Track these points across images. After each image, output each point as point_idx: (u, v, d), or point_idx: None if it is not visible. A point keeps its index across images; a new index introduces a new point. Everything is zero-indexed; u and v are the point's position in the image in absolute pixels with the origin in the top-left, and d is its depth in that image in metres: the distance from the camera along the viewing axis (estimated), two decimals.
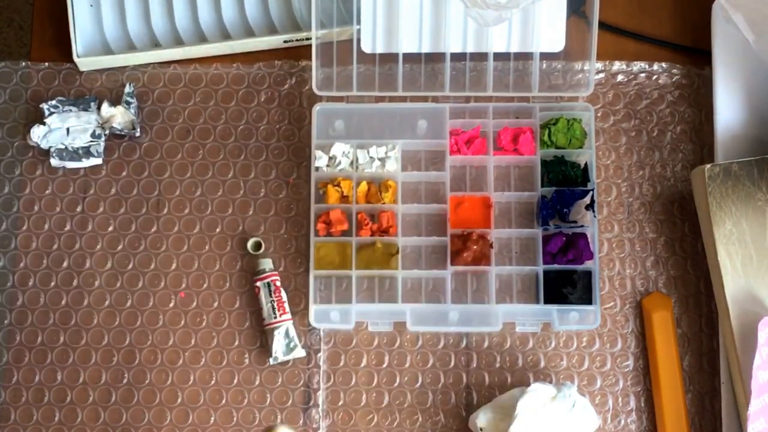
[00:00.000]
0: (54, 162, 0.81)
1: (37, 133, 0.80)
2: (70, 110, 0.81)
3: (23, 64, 0.84)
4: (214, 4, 0.83)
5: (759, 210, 0.74)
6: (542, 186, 0.79)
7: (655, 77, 0.84)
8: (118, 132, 0.81)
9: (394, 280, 0.78)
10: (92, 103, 0.82)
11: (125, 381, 0.78)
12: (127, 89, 0.81)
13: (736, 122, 0.78)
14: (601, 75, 0.83)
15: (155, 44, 0.83)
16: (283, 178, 0.82)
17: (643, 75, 0.84)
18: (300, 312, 0.79)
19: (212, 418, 0.78)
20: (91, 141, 0.81)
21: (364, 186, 0.80)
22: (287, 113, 0.83)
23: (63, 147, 0.80)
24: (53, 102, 0.81)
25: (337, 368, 0.79)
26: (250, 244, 0.80)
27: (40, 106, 0.81)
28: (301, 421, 0.78)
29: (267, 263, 0.79)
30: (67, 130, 0.81)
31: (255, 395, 0.78)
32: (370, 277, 0.79)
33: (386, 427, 0.78)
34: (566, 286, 0.77)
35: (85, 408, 0.78)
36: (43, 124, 0.80)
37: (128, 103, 0.81)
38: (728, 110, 0.79)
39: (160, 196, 0.81)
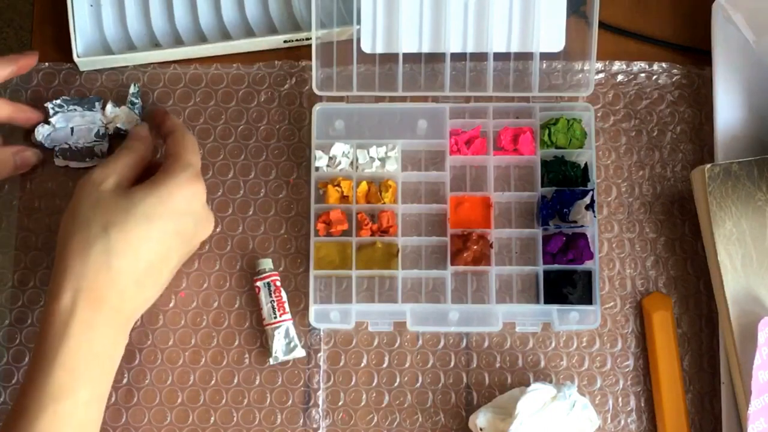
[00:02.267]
0: (58, 162, 0.81)
1: (41, 133, 0.80)
2: (75, 110, 0.81)
3: None
4: (214, 4, 0.83)
5: (759, 210, 0.74)
6: (542, 186, 0.79)
7: (655, 77, 0.84)
8: (123, 132, 0.81)
9: (394, 280, 0.78)
10: (97, 103, 0.82)
11: (125, 381, 0.78)
12: (132, 89, 0.82)
13: (736, 122, 0.78)
14: (601, 75, 0.84)
15: (155, 44, 0.83)
16: (283, 178, 0.82)
17: (643, 75, 0.84)
18: (300, 312, 0.79)
19: (212, 418, 0.78)
20: (95, 141, 0.81)
21: (364, 186, 0.80)
22: (287, 113, 0.83)
23: (67, 147, 0.81)
24: (58, 101, 0.81)
25: (337, 368, 0.79)
26: None
27: (45, 105, 0.81)
28: (301, 421, 0.78)
29: (267, 263, 0.79)
30: (72, 129, 0.81)
31: (255, 395, 0.78)
32: (370, 277, 0.79)
33: (386, 427, 0.78)
34: (566, 286, 0.77)
35: None
36: (48, 123, 0.81)
37: (133, 104, 0.81)
38: (728, 110, 0.79)
39: None
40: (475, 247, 0.78)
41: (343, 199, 0.79)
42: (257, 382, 0.78)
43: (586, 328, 0.78)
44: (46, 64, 0.84)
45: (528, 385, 0.74)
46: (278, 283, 0.78)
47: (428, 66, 0.82)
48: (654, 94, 0.83)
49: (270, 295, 0.78)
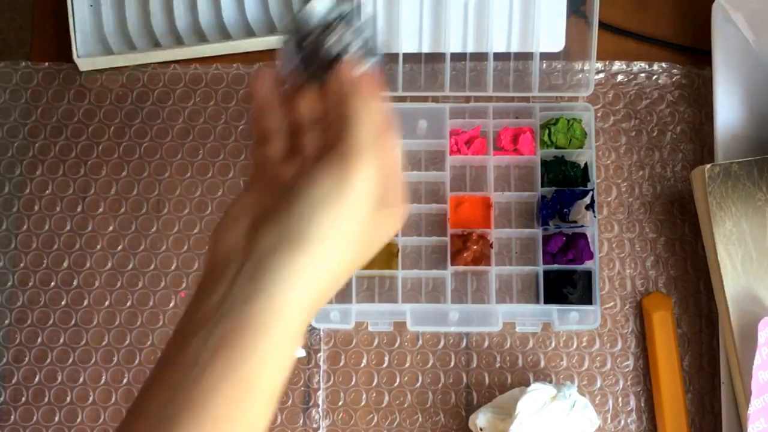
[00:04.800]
0: (284, 49, 0.52)
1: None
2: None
3: (23, 64, 0.84)
4: (214, 4, 0.83)
5: (759, 210, 0.74)
6: (542, 186, 0.79)
7: (655, 77, 0.84)
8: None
9: (394, 280, 0.78)
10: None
11: (125, 381, 0.78)
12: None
13: (736, 122, 0.78)
14: (601, 75, 0.83)
15: (155, 44, 0.83)
16: None
17: (643, 75, 0.84)
18: None
19: None
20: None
21: None
22: None
23: (313, 38, 0.51)
24: None
25: (337, 368, 0.79)
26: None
27: None
28: (301, 421, 0.78)
29: None
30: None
31: None
32: (370, 277, 0.79)
33: (386, 427, 0.78)
34: (566, 286, 0.77)
35: (86, 408, 0.78)
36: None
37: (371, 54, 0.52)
38: (728, 110, 0.79)
39: (160, 196, 0.81)
40: (475, 247, 0.78)
41: None
42: None
43: (586, 328, 0.78)
44: (46, 64, 0.84)
45: (528, 385, 0.73)
46: None
47: (428, 66, 0.82)
48: (654, 94, 0.83)
49: None
